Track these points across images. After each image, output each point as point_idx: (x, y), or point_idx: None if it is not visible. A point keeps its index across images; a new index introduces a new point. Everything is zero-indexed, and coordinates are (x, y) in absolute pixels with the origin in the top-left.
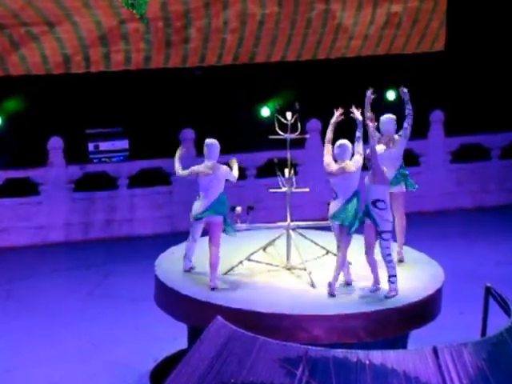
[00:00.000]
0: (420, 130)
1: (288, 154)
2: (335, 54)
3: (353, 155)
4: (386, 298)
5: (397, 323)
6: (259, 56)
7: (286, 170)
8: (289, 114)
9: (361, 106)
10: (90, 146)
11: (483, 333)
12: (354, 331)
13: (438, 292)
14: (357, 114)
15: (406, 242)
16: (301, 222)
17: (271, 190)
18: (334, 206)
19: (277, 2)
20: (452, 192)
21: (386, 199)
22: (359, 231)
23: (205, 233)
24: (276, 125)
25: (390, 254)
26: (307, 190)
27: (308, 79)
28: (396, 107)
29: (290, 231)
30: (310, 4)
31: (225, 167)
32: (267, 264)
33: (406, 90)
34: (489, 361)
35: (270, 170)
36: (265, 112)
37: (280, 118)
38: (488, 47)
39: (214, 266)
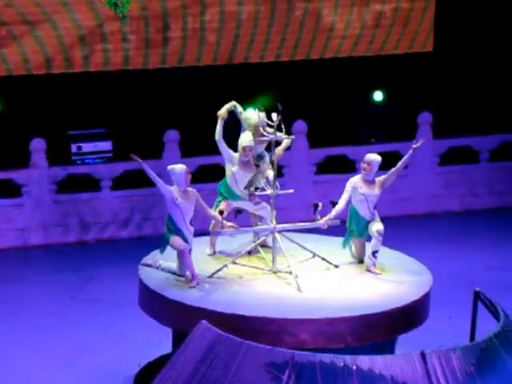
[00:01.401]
0: (408, 132)
1: (273, 156)
2: (315, 54)
3: None
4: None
5: (384, 328)
6: (252, 56)
7: (270, 172)
8: (274, 115)
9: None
10: (73, 148)
11: (472, 338)
12: (341, 336)
13: (426, 296)
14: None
15: (394, 245)
16: (287, 225)
17: (256, 193)
18: None
19: (260, 2)
20: (440, 195)
21: None
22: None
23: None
24: (262, 127)
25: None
26: (292, 191)
27: (293, 80)
28: (383, 107)
29: (276, 234)
30: (297, 3)
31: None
32: (253, 267)
33: (419, 144)
34: (477, 366)
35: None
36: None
37: (264, 119)
38: (477, 49)
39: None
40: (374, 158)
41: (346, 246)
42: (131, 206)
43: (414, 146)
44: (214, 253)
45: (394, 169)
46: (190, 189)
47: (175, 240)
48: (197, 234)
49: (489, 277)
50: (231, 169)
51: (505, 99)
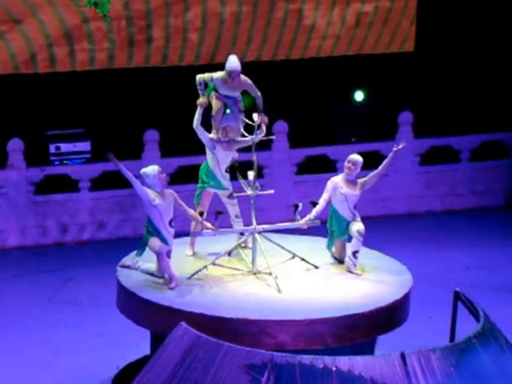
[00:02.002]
0: (388, 132)
1: (253, 156)
2: (296, 54)
3: None
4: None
5: (364, 328)
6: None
7: (250, 173)
8: (255, 116)
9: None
10: (51, 148)
11: (452, 338)
12: (320, 337)
13: (406, 297)
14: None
15: (374, 245)
16: (266, 226)
17: (235, 195)
18: None
19: (242, 1)
20: (421, 195)
21: None
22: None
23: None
24: (241, 126)
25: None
26: (272, 192)
27: (274, 80)
28: (364, 107)
29: (256, 235)
30: (278, 4)
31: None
32: (232, 268)
33: (400, 147)
34: (457, 366)
35: (235, 172)
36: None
37: (245, 119)
38: (457, 48)
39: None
40: (359, 158)
41: (330, 248)
42: (110, 207)
43: (395, 148)
44: (194, 253)
45: (375, 171)
46: (167, 190)
47: (153, 241)
48: (178, 235)
49: (469, 277)
50: (212, 151)
51: (485, 99)
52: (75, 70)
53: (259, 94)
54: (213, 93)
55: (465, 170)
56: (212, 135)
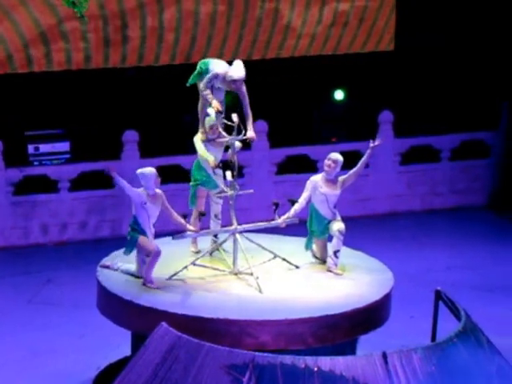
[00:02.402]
0: (369, 131)
1: (232, 156)
2: (272, 53)
3: None
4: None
5: (345, 328)
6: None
7: (228, 173)
8: (234, 116)
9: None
10: (30, 149)
11: (433, 337)
12: (301, 337)
13: (387, 296)
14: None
15: (355, 245)
16: (247, 225)
17: (216, 195)
18: None
19: (218, 1)
20: (401, 194)
21: None
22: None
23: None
24: (220, 127)
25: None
26: (251, 191)
27: (252, 79)
28: (344, 107)
29: (237, 235)
30: (253, 3)
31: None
32: (213, 269)
33: (376, 143)
34: (439, 366)
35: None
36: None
37: (224, 119)
38: (437, 48)
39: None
40: (340, 157)
41: (308, 248)
42: (89, 207)
43: (372, 145)
44: (199, 251)
45: (354, 169)
46: (157, 190)
47: (145, 240)
48: (157, 235)
49: (450, 276)
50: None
51: (465, 98)
52: (53, 70)
53: (247, 101)
54: (203, 86)
55: (445, 169)
56: (200, 134)
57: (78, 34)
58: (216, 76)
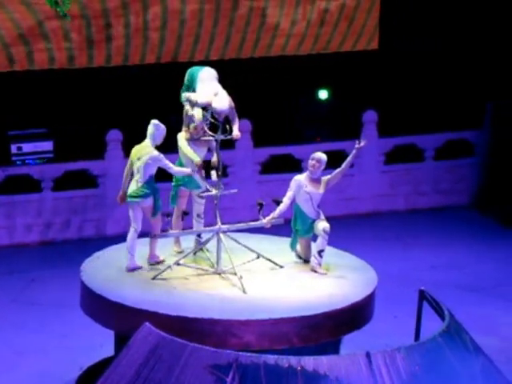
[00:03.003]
0: (353, 131)
1: (216, 156)
2: (260, 52)
3: None
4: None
5: (329, 328)
6: (198, 55)
7: (213, 173)
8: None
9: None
10: (13, 148)
11: (417, 337)
12: (285, 337)
13: (371, 296)
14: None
15: (339, 245)
16: (231, 225)
17: (200, 194)
18: None
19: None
20: (385, 194)
21: None
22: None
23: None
24: (205, 126)
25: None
26: (236, 191)
27: (238, 79)
28: (328, 106)
29: (221, 235)
30: (241, 2)
31: None
32: (197, 268)
33: (362, 144)
34: (422, 365)
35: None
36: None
37: (210, 118)
38: (421, 47)
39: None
40: (323, 156)
41: (294, 248)
42: (72, 207)
43: (357, 146)
44: (182, 250)
45: (338, 169)
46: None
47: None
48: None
49: (434, 276)
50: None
51: (449, 97)
52: (35, 69)
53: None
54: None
55: (429, 168)
56: (184, 133)
57: (60, 33)
58: (197, 104)
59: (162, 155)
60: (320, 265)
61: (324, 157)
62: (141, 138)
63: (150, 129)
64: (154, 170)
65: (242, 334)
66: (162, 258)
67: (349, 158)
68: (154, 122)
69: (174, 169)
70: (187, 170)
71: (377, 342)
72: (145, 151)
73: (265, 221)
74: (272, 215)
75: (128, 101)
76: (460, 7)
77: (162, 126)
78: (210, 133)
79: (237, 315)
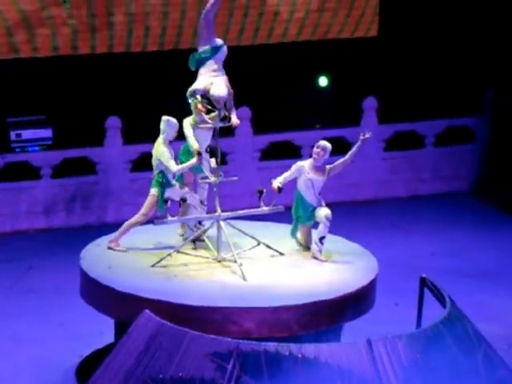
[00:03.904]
0: (353, 117)
1: (216, 143)
2: (259, 40)
3: None
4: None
5: (330, 316)
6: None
7: (212, 160)
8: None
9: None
10: (12, 135)
11: (418, 325)
12: (286, 324)
13: (372, 283)
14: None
15: (339, 232)
16: (231, 213)
17: (200, 181)
18: None
19: None
20: (386, 181)
21: None
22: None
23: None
24: (204, 113)
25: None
26: (235, 179)
27: (238, 66)
28: (328, 93)
29: (221, 222)
30: None
31: None
32: (197, 256)
33: (367, 136)
34: (424, 353)
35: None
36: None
37: (208, 106)
38: (421, 33)
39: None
40: (328, 144)
41: (294, 235)
42: (71, 194)
43: (362, 137)
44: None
45: (342, 159)
46: None
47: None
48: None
49: (435, 263)
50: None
51: (449, 83)
52: (36, 56)
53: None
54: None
55: (430, 155)
56: (191, 119)
57: (62, 20)
58: (196, 91)
59: (167, 156)
60: (321, 252)
61: (329, 145)
62: (140, 124)
63: (162, 125)
64: (163, 167)
65: (242, 322)
66: (121, 248)
67: (353, 149)
68: (165, 118)
69: (173, 169)
70: (187, 165)
71: (378, 330)
72: (156, 151)
73: (265, 208)
74: (277, 179)
75: (127, 88)
76: None
77: (174, 122)
78: (209, 120)
79: (237, 303)
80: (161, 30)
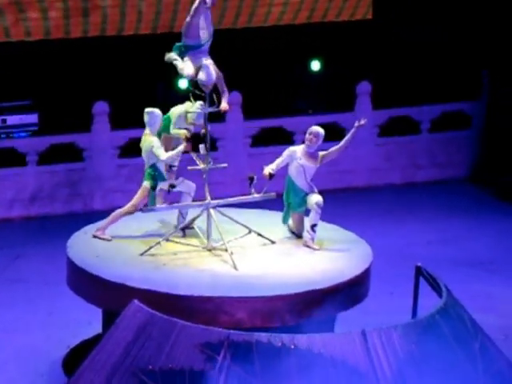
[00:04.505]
0: (346, 102)
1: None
2: (255, 22)
3: None
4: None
5: (323, 305)
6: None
7: (201, 146)
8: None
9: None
10: None
11: (414, 314)
12: (278, 314)
13: (366, 272)
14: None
15: (333, 219)
16: (221, 200)
17: (189, 168)
18: None
19: None
20: (380, 167)
21: None
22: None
23: None
24: (192, 98)
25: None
26: (225, 166)
27: (230, 49)
28: (321, 77)
29: (211, 210)
30: None
31: None
32: (187, 244)
33: (362, 123)
34: (419, 344)
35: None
36: (182, 84)
37: (196, 90)
38: (416, 17)
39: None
40: (321, 130)
41: (286, 222)
42: (58, 181)
43: (357, 124)
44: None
45: (336, 146)
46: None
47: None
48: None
49: (430, 251)
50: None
51: (445, 67)
52: (25, 40)
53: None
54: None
55: (425, 141)
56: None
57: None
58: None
59: (156, 145)
60: (313, 240)
61: (322, 131)
62: (128, 110)
63: (146, 118)
64: (155, 159)
65: (233, 312)
66: (107, 237)
67: (348, 136)
68: (148, 110)
69: (163, 157)
70: (175, 152)
71: (372, 320)
72: (145, 143)
73: (256, 195)
74: (270, 167)
75: (116, 72)
76: None
77: (156, 113)
78: (197, 105)
79: (228, 292)
80: (155, 13)
